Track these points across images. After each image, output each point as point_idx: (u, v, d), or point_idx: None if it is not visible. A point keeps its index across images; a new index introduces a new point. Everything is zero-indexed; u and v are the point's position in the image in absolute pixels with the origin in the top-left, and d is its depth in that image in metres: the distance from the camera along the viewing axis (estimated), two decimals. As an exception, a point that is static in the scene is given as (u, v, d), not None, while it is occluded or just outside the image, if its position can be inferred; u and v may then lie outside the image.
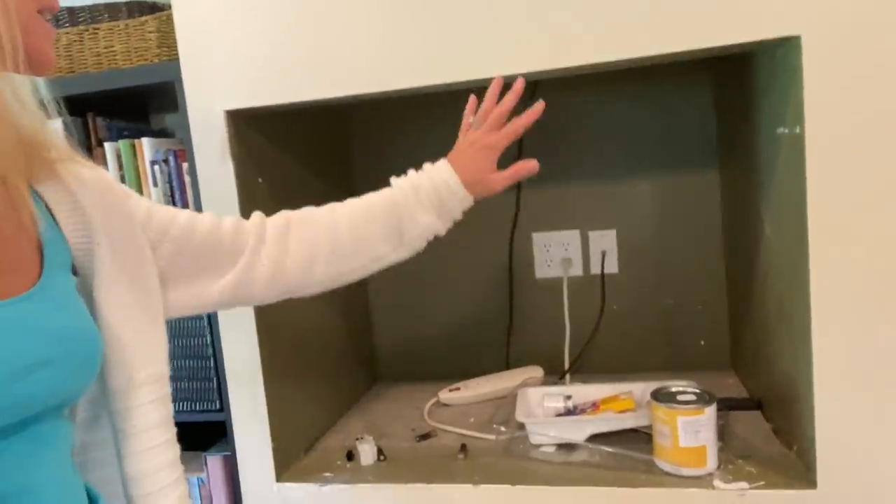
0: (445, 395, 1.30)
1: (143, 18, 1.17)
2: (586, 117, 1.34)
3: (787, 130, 0.89)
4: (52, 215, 0.54)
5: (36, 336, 0.47)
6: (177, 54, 1.01)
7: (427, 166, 0.80)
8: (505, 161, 0.83)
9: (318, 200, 1.29)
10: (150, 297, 0.61)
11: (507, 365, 1.42)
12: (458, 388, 1.31)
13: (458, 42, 0.90)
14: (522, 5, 0.87)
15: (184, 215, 0.70)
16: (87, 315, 0.53)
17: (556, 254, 1.39)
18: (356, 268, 0.78)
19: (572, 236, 1.38)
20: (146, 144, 1.18)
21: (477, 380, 1.33)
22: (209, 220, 0.72)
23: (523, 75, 0.88)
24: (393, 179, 0.81)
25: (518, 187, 1.38)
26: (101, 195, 0.58)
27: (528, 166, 0.81)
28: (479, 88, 0.86)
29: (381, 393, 1.42)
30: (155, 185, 1.18)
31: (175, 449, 0.61)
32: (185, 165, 1.17)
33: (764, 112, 1.00)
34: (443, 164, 0.79)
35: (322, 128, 1.33)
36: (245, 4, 0.96)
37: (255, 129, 1.07)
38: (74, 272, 0.56)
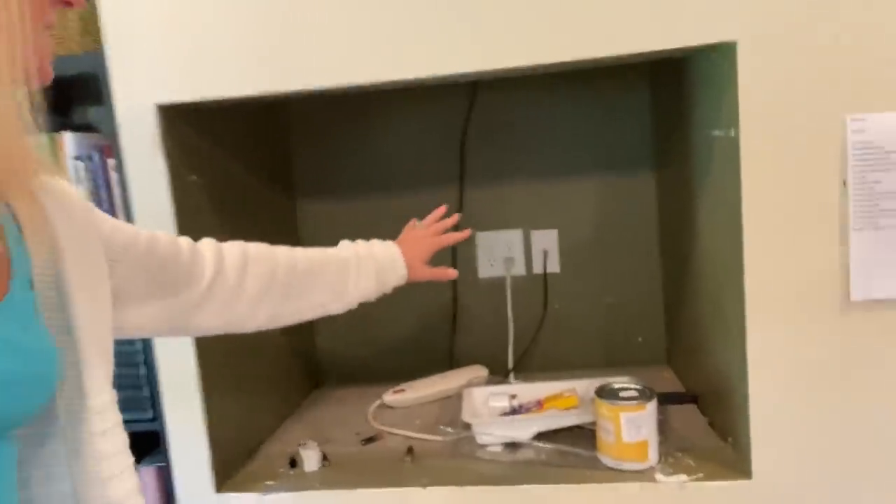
0: (390, 397, 1.28)
1: (65, 5, 1.09)
2: (527, 119, 1.35)
3: (721, 133, 0.92)
4: (18, 228, 0.51)
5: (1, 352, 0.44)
6: (101, 44, 0.95)
7: (376, 241, 0.93)
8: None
9: (258, 199, 1.26)
10: (106, 315, 0.59)
11: (451, 364, 1.41)
12: (402, 390, 1.29)
13: (395, 41, 0.89)
14: (462, 7, 0.87)
15: (144, 235, 0.70)
16: (45, 334, 0.50)
17: (499, 253, 1.40)
18: (294, 311, 0.85)
19: (515, 236, 1.39)
20: (68, 139, 1.10)
21: (421, 381, 1.32)
22: (168, 241, 0.73)
23: (461, 75, 0.91)
24: (344, 242, 0.92)
25: (461, 187, 1.38)
26: (66, 208, 0.57)
27: (450, 273, 0.99)
28: (417, 87, 0.86)
29: (323, 397, 1.39)
30: (77, 182, 1.11)
31: (135, 477, 0.59)
32: (111, 162, 1.11)
33: (699, 114, 1.03)
34: (392, 244, 0.93)
35: (261, 124, 1.29)
36: (178, -6, 0.92)
37: (188, 125, 1.02)
38: (31, 288, 0.52)
